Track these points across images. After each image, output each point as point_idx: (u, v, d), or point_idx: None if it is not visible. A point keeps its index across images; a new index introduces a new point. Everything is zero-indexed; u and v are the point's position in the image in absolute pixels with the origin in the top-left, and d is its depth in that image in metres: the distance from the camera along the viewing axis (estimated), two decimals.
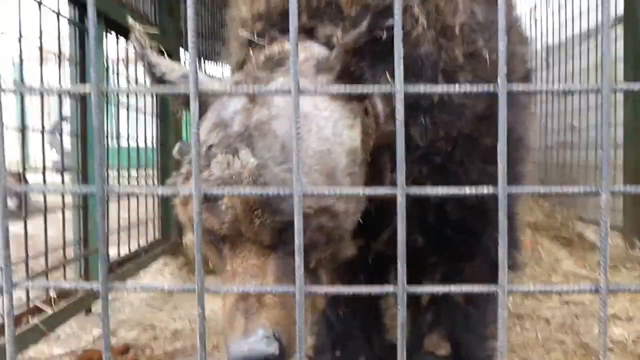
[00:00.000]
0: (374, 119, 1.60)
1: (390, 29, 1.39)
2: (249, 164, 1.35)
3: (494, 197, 1.91)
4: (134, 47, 1.72)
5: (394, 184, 1.62)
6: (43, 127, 2.80)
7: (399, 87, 0.93)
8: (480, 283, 1.71)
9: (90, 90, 0.98)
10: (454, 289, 1.04)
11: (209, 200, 1.36)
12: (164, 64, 1.70)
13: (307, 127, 1.43)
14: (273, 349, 1.30)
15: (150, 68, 1.70)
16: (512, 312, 3.45)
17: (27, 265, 2.56)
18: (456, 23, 1.72)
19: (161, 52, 1.77)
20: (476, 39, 1.73)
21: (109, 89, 0.98)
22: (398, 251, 0.99)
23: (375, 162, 1.66)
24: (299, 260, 0.96)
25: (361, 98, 1.56)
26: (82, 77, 3.17)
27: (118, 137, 3.94)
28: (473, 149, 1.73)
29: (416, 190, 0.99)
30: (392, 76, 1.28)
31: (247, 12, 1.84)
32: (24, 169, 2.74)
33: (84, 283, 1.19)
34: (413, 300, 2.39)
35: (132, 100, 4.57)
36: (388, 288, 1.02)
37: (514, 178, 1.87)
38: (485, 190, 0.99)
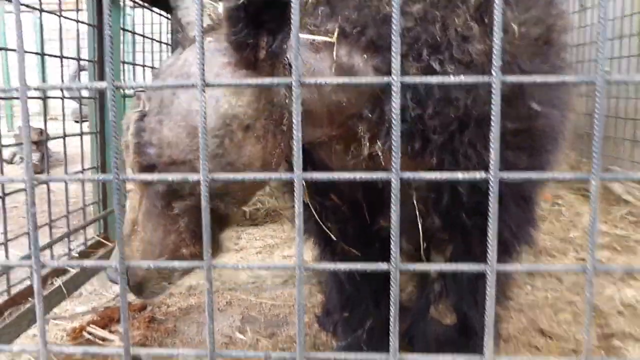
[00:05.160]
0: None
1: None
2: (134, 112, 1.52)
3: (505, 182, 1.88)
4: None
5: (374, 155, 1.60)
6: (62, 79, 2.84)
7: (395, 78, 0.95)
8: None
9: (106, 85, 1.02)
10: (444, 267, 1.08)
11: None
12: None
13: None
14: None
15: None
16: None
17: (50, 228, 2.65)
18: None
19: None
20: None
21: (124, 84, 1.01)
22: (392, 231, 1.03)
23: (351, 132, 1.64)
24: (298, 239, 1.00)
25: (255, 66, 1.52)
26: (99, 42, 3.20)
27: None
28: (489, 131, 1.60)
29: (410, 175, 1.02)
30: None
31: None
32: (46, 121, 2.77)
33: (98, 261, 1.26)
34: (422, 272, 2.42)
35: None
36: (382, 266, 1.07)
37: (539, 167, 1.76)
38: (477, 175, 1.01)
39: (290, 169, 1.67)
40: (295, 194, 1.03)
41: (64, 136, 2.79)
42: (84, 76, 3.27)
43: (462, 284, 2.06)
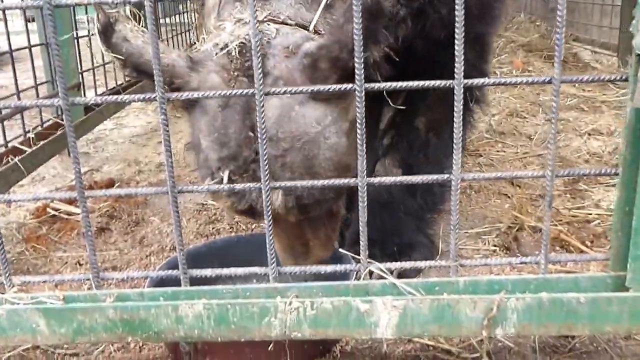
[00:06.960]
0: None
1: None
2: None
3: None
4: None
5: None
6: None
7: None
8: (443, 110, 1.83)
9: None
10: (412, 84, 1.04)
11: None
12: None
13: (314, 150, 1.36)
14: None
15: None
16: (495, 130, 3.50)
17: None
18: None
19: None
20: None
21: None
22: (355, 47, 0.98)
23: None
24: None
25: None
26: None
27: None
28: None
29: None
30: None
31: None
32: None
33: (44, 100, 1.18)
34: (371, 123, 2.31)
35: None
36: (347, 85, 1.02)
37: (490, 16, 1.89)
38: None
39: None
40: None
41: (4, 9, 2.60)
42: None
43: (413, 136, 1.97)
